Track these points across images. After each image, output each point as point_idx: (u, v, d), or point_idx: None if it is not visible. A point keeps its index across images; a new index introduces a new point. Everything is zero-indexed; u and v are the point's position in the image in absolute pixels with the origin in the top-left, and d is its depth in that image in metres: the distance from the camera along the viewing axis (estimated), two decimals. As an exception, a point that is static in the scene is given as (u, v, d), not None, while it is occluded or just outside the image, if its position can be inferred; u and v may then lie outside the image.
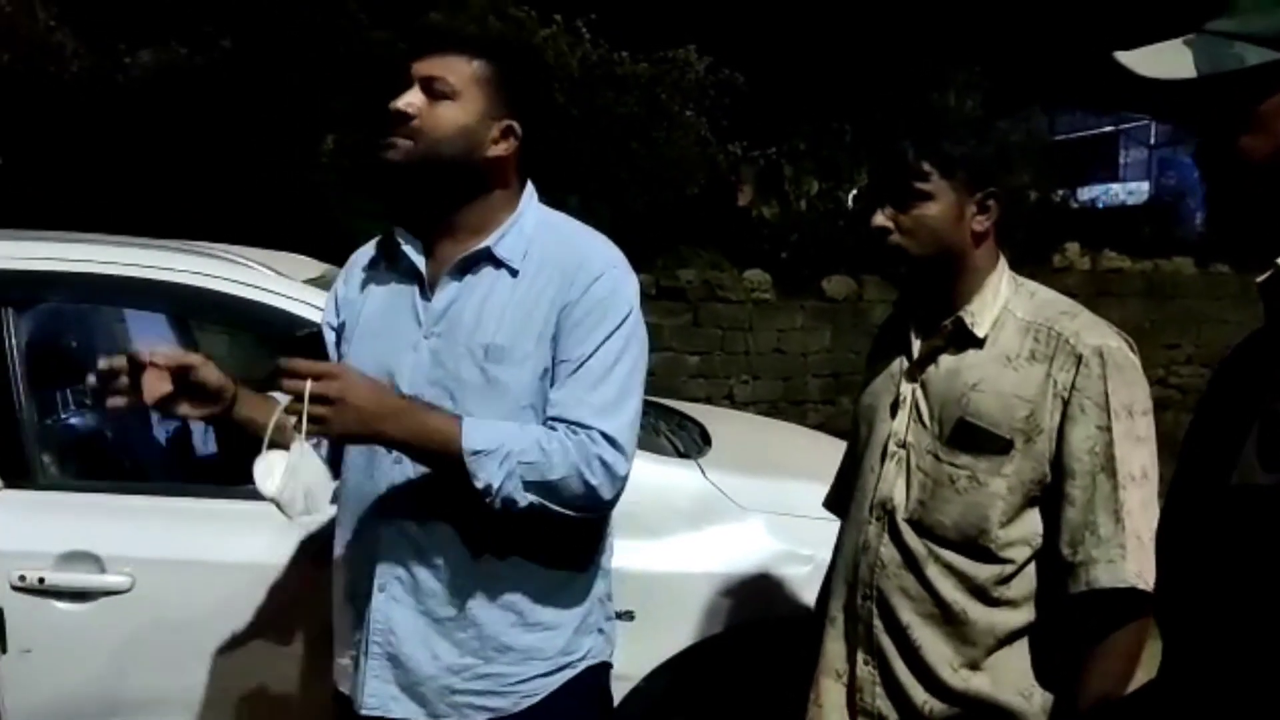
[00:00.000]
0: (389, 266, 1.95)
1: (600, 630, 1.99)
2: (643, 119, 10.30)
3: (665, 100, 10.58)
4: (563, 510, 1.77)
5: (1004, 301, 1.88)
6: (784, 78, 11.97)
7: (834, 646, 1.98)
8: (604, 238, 1.94)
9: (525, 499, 1.74)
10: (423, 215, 1.88)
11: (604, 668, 2.01)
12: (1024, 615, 1.84)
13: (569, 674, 1.92)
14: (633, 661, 2.62)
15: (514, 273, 1.85)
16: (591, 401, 1.79)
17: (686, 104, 10.75)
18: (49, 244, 2.85)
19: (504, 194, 1.90)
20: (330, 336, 2.02)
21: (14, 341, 2.65)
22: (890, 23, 13.65)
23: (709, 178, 10.96)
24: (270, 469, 1.67)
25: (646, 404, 3.86)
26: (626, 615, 2.59)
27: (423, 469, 1.83)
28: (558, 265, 1.85)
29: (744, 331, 8.79)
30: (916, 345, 1.93)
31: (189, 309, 3.04)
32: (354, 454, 1.93)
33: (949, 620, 1.85)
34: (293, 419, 1.65)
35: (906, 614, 1.88)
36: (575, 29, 10.78)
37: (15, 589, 2.50)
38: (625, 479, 1.81)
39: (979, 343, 1.86)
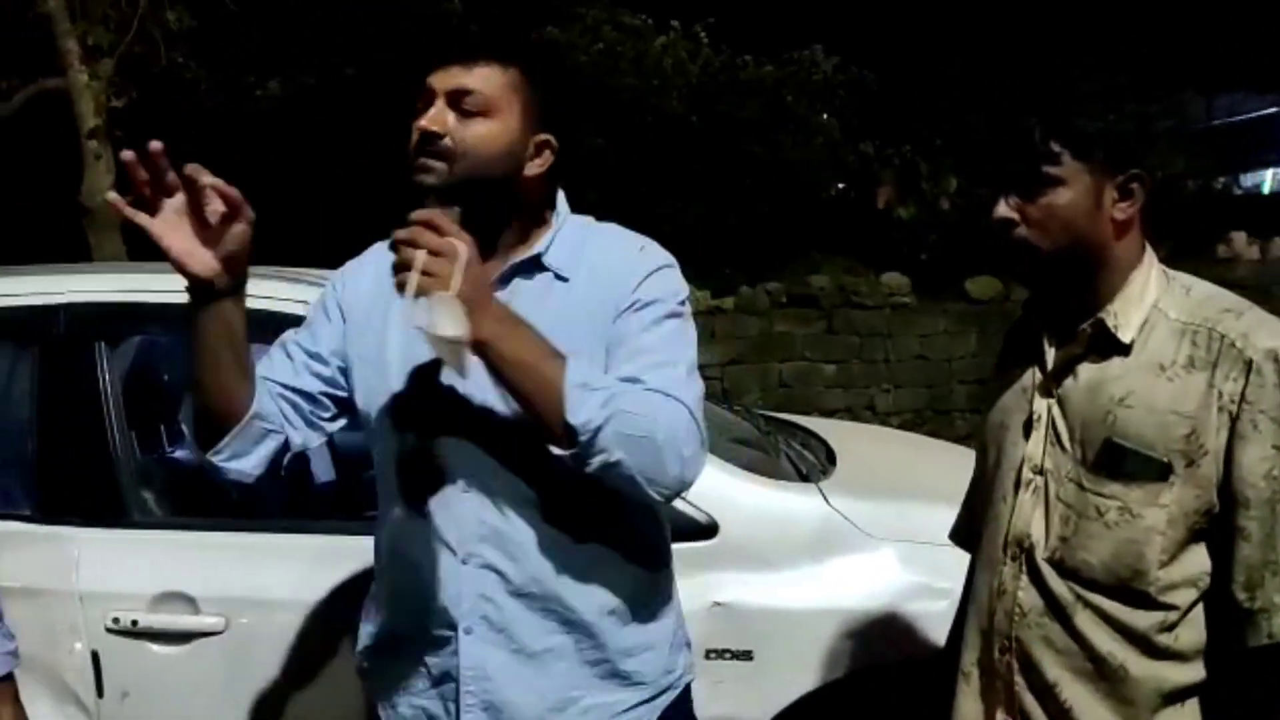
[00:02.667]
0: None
1: (687, 644, 1.87)
2: (767, 123, 10.12)
3: (791, 103, 10.37)
4: (643, 482, 1.53)
5: (1153, 299, 1.61)
6: (916, 71, 11.60)
7: (969, 705, 1.75)
8: (649, 240, 1.78)
9: (617, 454, 1.50)
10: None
11: (689, 689, 1.87)
12: (1194, 670, 1.58)
13: (671, 696, 1.79)
14: (751, 706, 2.46)
15: (564, 279, 1.70)
16: (665, 378, 1.57)
17: (814, 105, 10.52)
18: (141, 276, 2.80)
19: (540, 206, 1.75)
20: (318, 348, 1.81)
21: (107, 377, 2.61)
22: (1032, 4, 13.08)
23: (840, 180, 10.72)
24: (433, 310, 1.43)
25: (770, 421, 3.72)
26: (744, 655, 2.44)
27: (484, 493, 1.67)
28: (609, 268, 1.69)
29: (883, 338, 8.54)
30: (1050, 354, 1.68)
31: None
32: (395, 489, 1.77)
33: (1104, 676, 1.60)
34: None
35: (1053, 669, 1.63)
36: (694, 35, 10.68)
37: (110, 631, 2.47)
38: (704, 462, 1.59)
39: (1124, 349, 1.60)
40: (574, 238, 1.74)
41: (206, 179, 1.49)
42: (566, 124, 1.72)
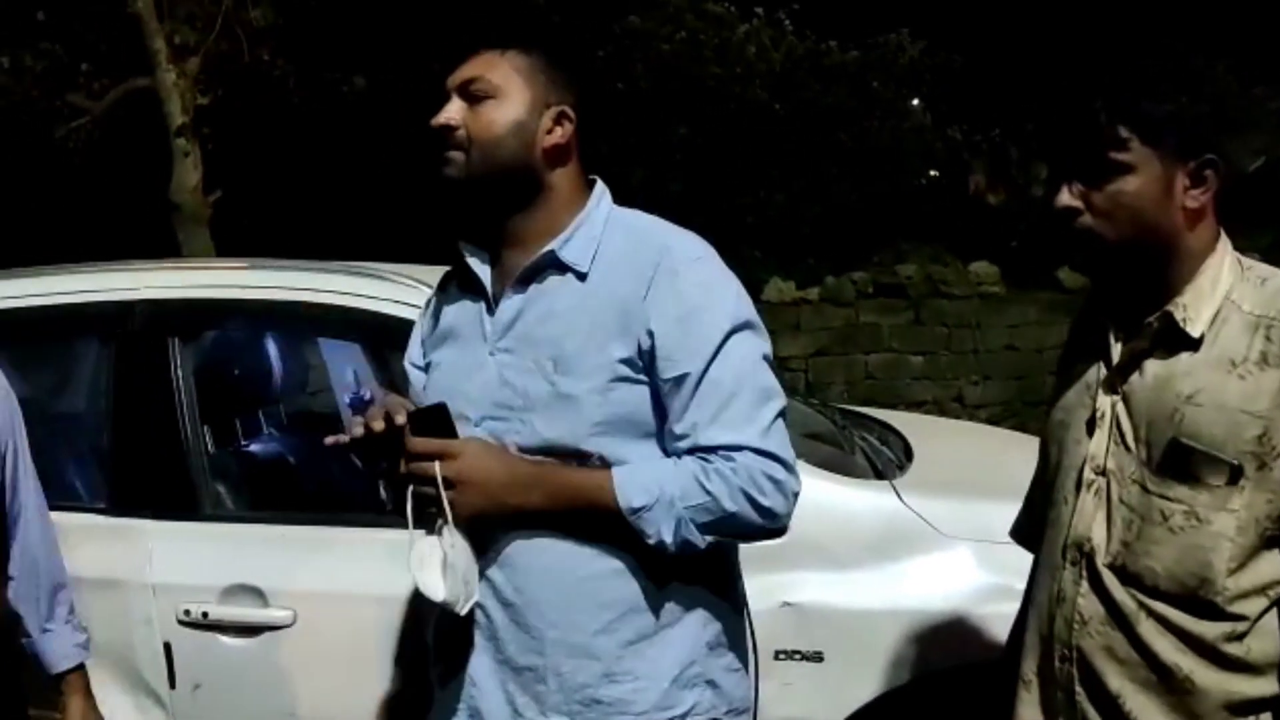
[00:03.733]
0: (460, 285, 1.82)
1: (710, 683, 1.74)
2: (852, 109, 9.98)
3: (877, 88, 10.22)
4: (741, 541, 1.70)
5: (1225, 291, 1.52)
6: (1006, 54, 11.30)
7: (1029, 714, 1.69)
8: (682, 230, 1.74)
9: (704, 541, 1.62)
10: (488, 226, 1.75)
11: None
12: (1266, 683, 1.51)
13: None
14: (821, 708, 2.41)
15: (581, 276, 1.69)
16: (729, 419, 1.62)
17: (901, 91, 10.35)
18: (215, 272, 2.83)
19: (569, 191, 1.74)
20: (419, 377, 1.89)
21: (179, 372, 2.65)
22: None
23: (928, 166, 10.52)
24: (423, 562, 1.62)
25: (847, 415, 3.63)
26: (814, 657, 2.39)
27: None
28: (630, 263, 1.67)
29: (972, 328, 8.38)
30: (1116, 348, 1.60)
31: (356, 334, 2.98)
32: None
33: (1170, 688, 1.53)
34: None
35: (1115, 680, 1.56)
36: (777, 21, 10.60)
37: (181, 623, 2.50)
38: (797, 492, 1.65)
39: (1193, 344, 1.52)
40: (597, 231, 1.71)
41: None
42: (586, 94, 1.75)
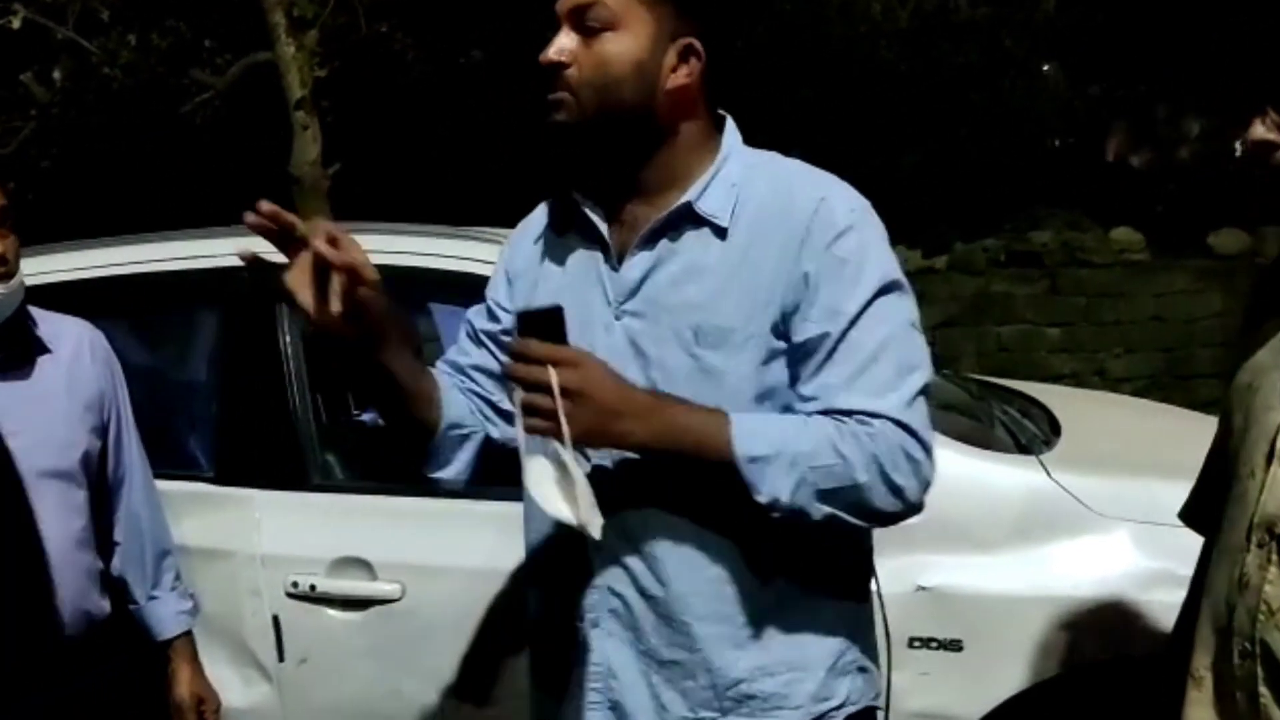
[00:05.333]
0: (567, 235, 1.63)
1: (861, 669, 1.62)
2: (984, 68, 9.72)
3: (1011, 46, 9.94)
4: (857, 522, 1.47)
5: None
6: (1151, 4, 10.83)
7: (1200, 715, 1.50)
8: (832, 177, 1.55)
9: (820, 511, 1.44)
10: (604, 175, 1.56)
11: (867, 714, 1.65)
12: None
13: None
14: (961, 700, 2.28)
15: (721, 233, 1.51)
16: (867, 384, 1.45)
17: (1036, 48, 10.05)
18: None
19: (697, 134, 1.55)
20: (501, 319, 1.71)
21: (287, 339, 2.60)
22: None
23: (1065, 127, 10.19)
24: (540, 481, 1.42)
25: (984, 387, 3.44)
26: (952, 645, 2.26)
27: (617, 476, 1.52)
28: (780, 220, 1.49)
29: (1113, 298, 8.01)
30: None
31: (468, 299, 2.89)
32: None
33: None
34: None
35: None
36: (906, -22, 10.38)
37: (290, 595, 2.47)
38: (930, 481, 1.47)
39: None
40: (735, 178, 1.53)
41: (320, 246, 1.41)
42: (720, 23, 1.54)
